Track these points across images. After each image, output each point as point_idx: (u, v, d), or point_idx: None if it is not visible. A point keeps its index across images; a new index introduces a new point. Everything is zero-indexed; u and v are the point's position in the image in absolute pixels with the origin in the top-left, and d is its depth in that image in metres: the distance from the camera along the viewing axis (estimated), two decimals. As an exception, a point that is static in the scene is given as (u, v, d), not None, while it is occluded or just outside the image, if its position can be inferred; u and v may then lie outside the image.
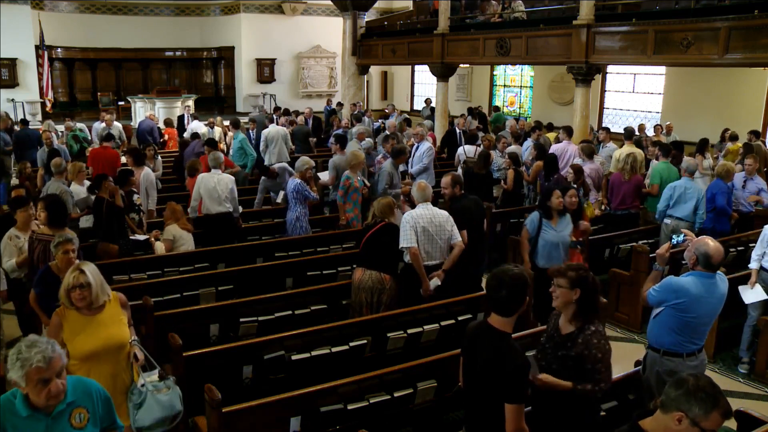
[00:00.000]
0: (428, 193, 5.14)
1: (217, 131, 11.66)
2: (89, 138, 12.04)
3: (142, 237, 6.43)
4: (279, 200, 8.03)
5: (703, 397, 2.18)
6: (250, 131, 11.21)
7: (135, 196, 6.84)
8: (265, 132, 10.44)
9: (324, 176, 8.16)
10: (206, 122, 12.74)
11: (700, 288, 3.53)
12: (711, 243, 3.57)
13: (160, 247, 6.31)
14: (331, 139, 9.21)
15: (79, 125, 12.30)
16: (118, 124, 12.49)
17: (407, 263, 5.08)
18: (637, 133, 9.62)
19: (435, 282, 5.00)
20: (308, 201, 6.92)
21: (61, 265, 3.87)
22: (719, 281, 3.63)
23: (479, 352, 2.77)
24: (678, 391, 2.22)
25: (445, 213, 5.13)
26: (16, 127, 12.13)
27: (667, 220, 6.70)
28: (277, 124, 12.00)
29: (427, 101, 17.33)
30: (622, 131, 9.87)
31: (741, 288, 5.25)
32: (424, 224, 4.96)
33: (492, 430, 2.75)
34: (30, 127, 12.21)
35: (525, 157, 9.34)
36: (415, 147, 9.01)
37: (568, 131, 9.43)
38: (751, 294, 5.21)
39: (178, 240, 6.38)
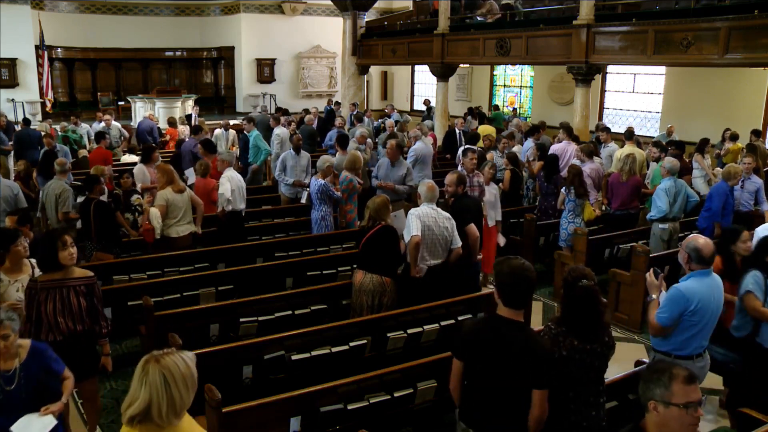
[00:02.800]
0: (435, 195, 5.15)
1: (231, 133, 11.73)
2: (81, 140, 12.01)
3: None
4: (303, 200, 8.09)
5: (657, 376, 2.22)
6: (245, 132, 11.22)
7: (134, 196, 6.83)
8: (281, 133, 10.52)
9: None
10: (220, 123, 12.73)
11: (704, 286, 3.57)
12: (700, 238, 3.66)
13: (154, 213, 6.15)
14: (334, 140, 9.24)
15: (71, 127, 12.24)
16: (116, 124, 12.51)
17: (407, 264, 5.07)
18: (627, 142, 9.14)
19: (425, 268, 5.02)
20: (332, 200, 6.97)
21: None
22: (716, 277, 3.69)
23: (507, 345, 2.80)
24: (640, 386, 2.30)
25: (447, 215, 5.13)
26: (17, 127, 12.12)
27: (663, 225, 6.63)
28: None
29: (425, 102, 17.32)
30: (611, 131, 9.77)
31: None
32: (429, 223, 4.97)
33: (516, 419, 2.84)
34: (31, 127, 12.19)
35: (525, 154, 9.31)
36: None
37: (568, 131, 9.36)
38: None
39: (172, 204, 6.21)
